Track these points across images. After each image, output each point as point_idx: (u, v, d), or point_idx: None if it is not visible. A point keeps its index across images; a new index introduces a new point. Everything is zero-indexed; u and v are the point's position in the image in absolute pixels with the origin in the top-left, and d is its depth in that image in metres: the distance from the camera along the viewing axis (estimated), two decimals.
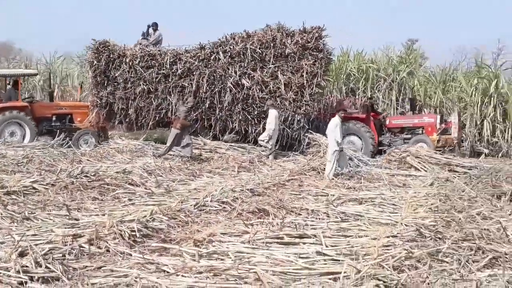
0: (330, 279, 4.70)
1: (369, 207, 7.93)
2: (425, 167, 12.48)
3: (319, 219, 7.12)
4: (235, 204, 7.68)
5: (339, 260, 5.16)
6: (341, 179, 10.68)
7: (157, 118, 15.48)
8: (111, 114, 15.81)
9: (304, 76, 14.25)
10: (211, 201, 7.81)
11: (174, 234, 6.23)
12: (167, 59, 15.26)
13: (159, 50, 15.63)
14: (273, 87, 14.50)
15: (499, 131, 18.32)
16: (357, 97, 19.04)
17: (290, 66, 14.50)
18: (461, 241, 5.83)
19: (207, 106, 14.81)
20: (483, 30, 59.74)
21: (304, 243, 5.75)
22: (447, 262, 5.20)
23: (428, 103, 19.57)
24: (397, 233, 6.15)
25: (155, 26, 16.45)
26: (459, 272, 4.83)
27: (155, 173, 10.00)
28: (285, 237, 5.95)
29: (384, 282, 4.57)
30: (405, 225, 6.66)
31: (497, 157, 17.30)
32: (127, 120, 15.81)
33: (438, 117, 15.81)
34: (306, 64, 14.28)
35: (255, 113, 14.69)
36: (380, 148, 15.64)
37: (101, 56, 15.64)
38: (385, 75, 20.02)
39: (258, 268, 4.79)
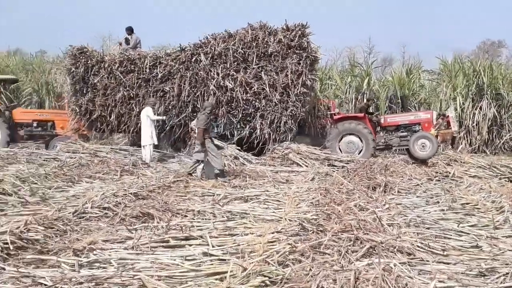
0: (216, 279, 4.66)
1: (255, 205, 8.00)
2: (306, 162, 12.93)
3: (206, 219, 7.08)
4: (117, 209, 7.38)
5: (225, 260, 5.15)
6: (227, 178, 10.74)
7: (139, 125, 14.66)
8: (92, 121, 15.08)
9: (289, 75, 13.93)
10: (91, 207, 7.43)
11: (51, 245, 5.84)
12: (147, 63, 14.57)
13: (138, 54, 14.89)
14: (257, 88, 14.08)
15: None
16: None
17: (274, 65, 14.15)
18: (340, 232, 6.06)
19: (190, 110, 14.22)
20: (355, 30, 63.68)
21: (190, 245, 5.66)
22: (329, 254, 5.39)
23: None
24: (281, 229, 6.26)
25: (129, 31, 15.91)
26: (340, 262, 5.03)
27: (29, 181, 9.34)
28: (170, 240, 5.82)
29: (269, 277, 4.63)
30: (289, 220, 6.81)
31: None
32: (109, 127, 15.08)
33: (435, 112, 15.78)
34: (290, 63, 13.96)
35: (240, 116, 14.22)
36: (377, 148, 15.37)
37: (79, 63, 14.87)
38: None
39: (143, 274, 4.63)
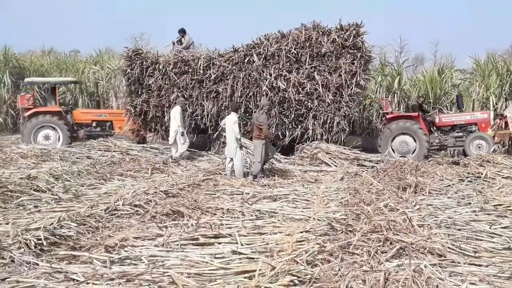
0: (245, 277, 4.70)
1: (283, 204, 8.03)
2: (335, 162, 12.84)
3: (235, 218, 7.13)
4: (148, 207, 7.51)
5: (254, 258, 5.18)
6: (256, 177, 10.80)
7: (192, 125, 15.00)
8: (147, 122, 15.36)
9: (343, 75, 13.75)
10: (123, 204, 7.58)
11: (83, 241, 5.98)
12: (200, 64, 14.68)
13: (192, 56, 15.03)
14: (310, 89, 13.95)
15: None
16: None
17: (327, 66, 13.95)
18: (370, 233, 6.03)
19: (242, 110, 14.17)
20: (386, 29, 62.93)
21: (219, 243, 5.73)
22: (358, 254, 5.38)
23: None
24: (310, 228, 6.28)
25: (182, 32, 16.13)
26: (369, 263, 5.01)
27: (62, 178, 9.56)
28: (200, 238, 5.89)
29: (298, 277, 4.65)
30: (318, 219, 6.83)
31: None
32: (162, 127, 15.30)
33: (492, 112, 15.26)
34: (344, 63, 13.78)
35: (292, 116, 14.18)
36: (431, 148, 14.84)
37: (134, 64, 15.13)
38: None
39: (172, 271, 4.70)
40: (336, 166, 12.58)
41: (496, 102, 18.49)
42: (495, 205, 8.05)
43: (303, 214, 7.28)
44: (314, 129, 13.99)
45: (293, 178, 10.69)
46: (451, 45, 54.08)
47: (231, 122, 10.96)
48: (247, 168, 11.52)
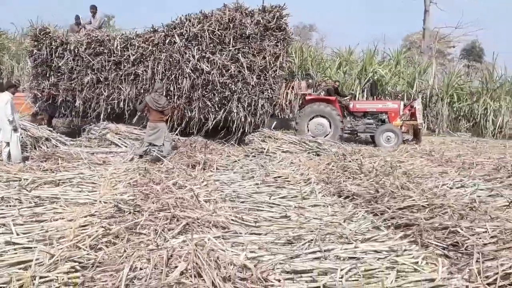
0: (20, 268, 4.31)
1: (67, 188, 7.56)
2: (125, 143, 12.57)
3: (11, 206, 6.48)
4: None
5: (31, 248, 4.78)
6: (37, 161, 9.99)
7: (108, 110, 13.31)
8: (55, 107, 13.48)
9: (267, 58, 13.24)
10: None
11: None
12: (117, 45, 13.12)
13: (107, 35, 13.34)
14: (234, 71, 13.10)
15: None
16: None
17: (251, 47, 13.29)
18: (158, 211, 6.01)
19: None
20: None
21: None
22: (145, 234, 5.31)
23: None
24: (95, 212, 6.01)
25: (94, 9, 14.36)
26: (155, 242, 4.98)
27: None
28: None
29: (80, 262, 4.41)
30: (104, 202, 6.58)
31: None
32: (73, 113, 13.49)
33: (402, 103, 15.79)
34: (268, 45, 13.25)
35: (216, 99, 13.21)
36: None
37: (41, 44, 13.73)
38: None
39: None
40: (126, 146, 12.32)
41: None
42: (275, 177, 8.71)
43: (88, 198, 6.93)
44: (237, 112, 13.59)
45: (79, 161, 10.13)
46: None
47: (3, 102, 9.88)
48: (27, 152, 10.62)
